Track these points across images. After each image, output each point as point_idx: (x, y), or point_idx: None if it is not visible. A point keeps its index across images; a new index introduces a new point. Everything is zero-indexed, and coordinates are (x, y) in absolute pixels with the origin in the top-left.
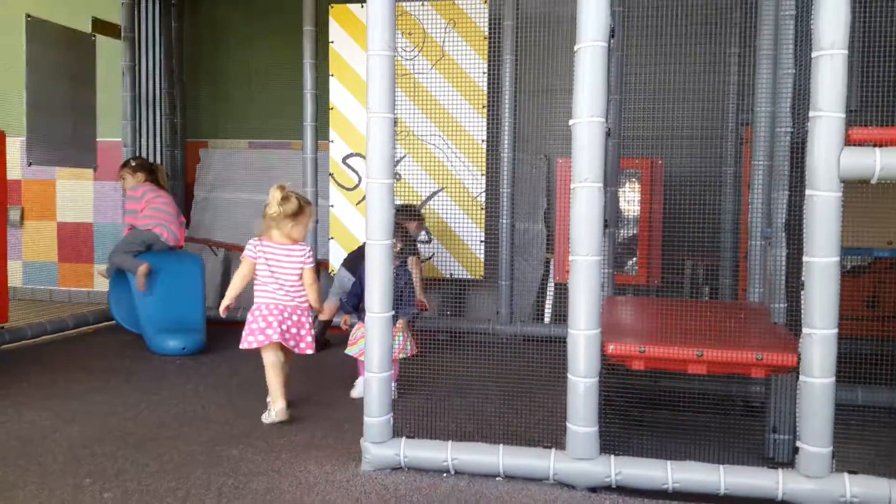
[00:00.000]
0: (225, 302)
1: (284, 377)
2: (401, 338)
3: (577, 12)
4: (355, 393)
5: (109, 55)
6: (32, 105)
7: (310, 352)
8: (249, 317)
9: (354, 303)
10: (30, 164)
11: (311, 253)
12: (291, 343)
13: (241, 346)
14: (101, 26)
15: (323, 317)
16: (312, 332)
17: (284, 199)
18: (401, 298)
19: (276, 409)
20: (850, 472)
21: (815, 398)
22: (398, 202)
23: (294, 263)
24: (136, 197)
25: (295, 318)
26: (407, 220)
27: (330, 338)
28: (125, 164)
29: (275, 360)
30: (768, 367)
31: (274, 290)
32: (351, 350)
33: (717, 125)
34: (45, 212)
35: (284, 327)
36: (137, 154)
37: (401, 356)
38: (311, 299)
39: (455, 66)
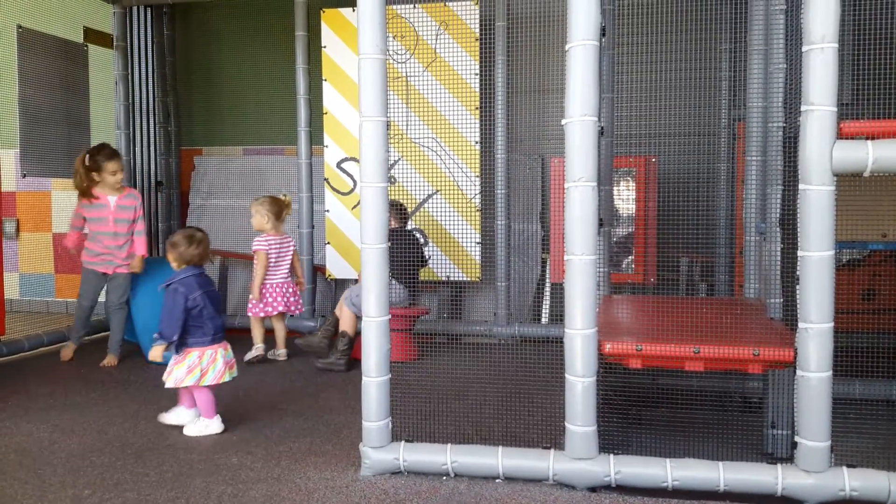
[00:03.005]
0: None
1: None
2: (220, 363)
3: (568, 11)
4: (167, 419)
5: (102, 65)
6: (26, 116)
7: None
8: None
9: (178, 331)
10: (24, 176)
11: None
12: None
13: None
14: (92, 36)
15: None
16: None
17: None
18: (169, 321)
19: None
20: (849, 465)
21: (812, 392)
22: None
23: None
24: (137, 205)
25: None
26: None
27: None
28: (116, 156)
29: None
30: (765, 363)
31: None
32: (168, 380)
33: (709, 122)
34: (40, 223)
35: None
36: (131, 163)
37: (224, 380)
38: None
39: (447, 68)
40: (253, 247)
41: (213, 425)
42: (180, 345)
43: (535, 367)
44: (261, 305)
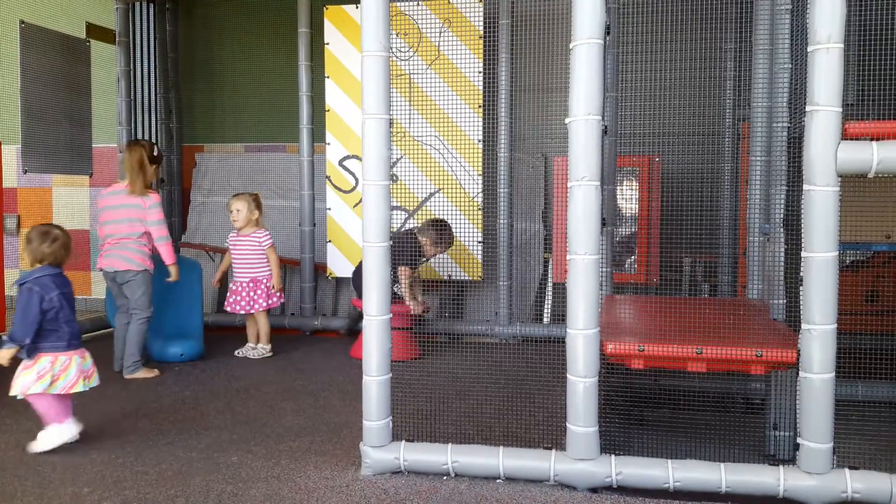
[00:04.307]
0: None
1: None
2: (72, 371)
3: (573, 9)
4: (36, 446)
5: (104, 60)
6: (27, 112)
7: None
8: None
9: (32, 334)
10: (25, 172)
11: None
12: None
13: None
14: (95, 31)
15: None
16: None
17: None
18: (23, 323)
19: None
20: (852, 467)
21: (815, 394)
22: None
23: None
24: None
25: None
26: (430, 234)
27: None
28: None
29: None
30: (768, 364)
31: None
32: (14, 390)
33: (713, 121)
34: (41, 219)
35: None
36: None
37: (76, 390)
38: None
39: (451, 65)
40: (265, 242)
41: (66, 430)
42: (33, 349)
43: (537, 367)
44: (278, 295)
